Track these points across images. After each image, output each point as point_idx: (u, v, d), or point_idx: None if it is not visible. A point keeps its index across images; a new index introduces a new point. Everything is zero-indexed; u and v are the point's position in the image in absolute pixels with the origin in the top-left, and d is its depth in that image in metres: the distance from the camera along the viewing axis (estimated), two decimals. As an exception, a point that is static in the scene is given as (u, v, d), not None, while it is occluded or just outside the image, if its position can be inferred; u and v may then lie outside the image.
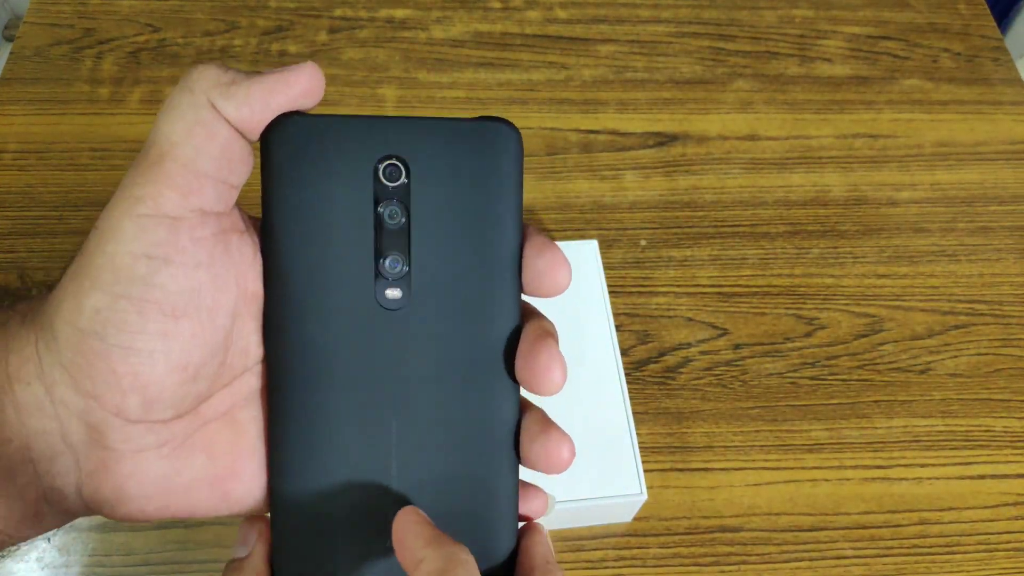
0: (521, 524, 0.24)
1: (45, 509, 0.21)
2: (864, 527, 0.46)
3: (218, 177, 0.20)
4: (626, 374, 0.49)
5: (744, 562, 0.44)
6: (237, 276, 0.21)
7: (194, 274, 0.20)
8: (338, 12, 0.65)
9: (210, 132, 0.20)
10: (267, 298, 0.22)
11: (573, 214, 0.56)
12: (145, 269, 0.20)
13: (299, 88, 0.20)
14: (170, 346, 0.20)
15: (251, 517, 0.23)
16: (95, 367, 0.20)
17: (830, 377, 0.50)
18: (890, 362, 0.51)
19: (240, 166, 0.21)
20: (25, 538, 0.22)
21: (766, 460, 0.47)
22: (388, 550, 0.22)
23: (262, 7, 0.65)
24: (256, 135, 0.21)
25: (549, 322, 0.23)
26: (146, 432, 0.21)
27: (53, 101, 0.58)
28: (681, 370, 0.50)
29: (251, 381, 0.23)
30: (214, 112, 0.20)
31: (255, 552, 0.23)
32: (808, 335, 0.52)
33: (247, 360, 0.23)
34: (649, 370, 0.50)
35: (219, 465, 0.22)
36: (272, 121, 0.20)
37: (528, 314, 0.23)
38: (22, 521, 0.21)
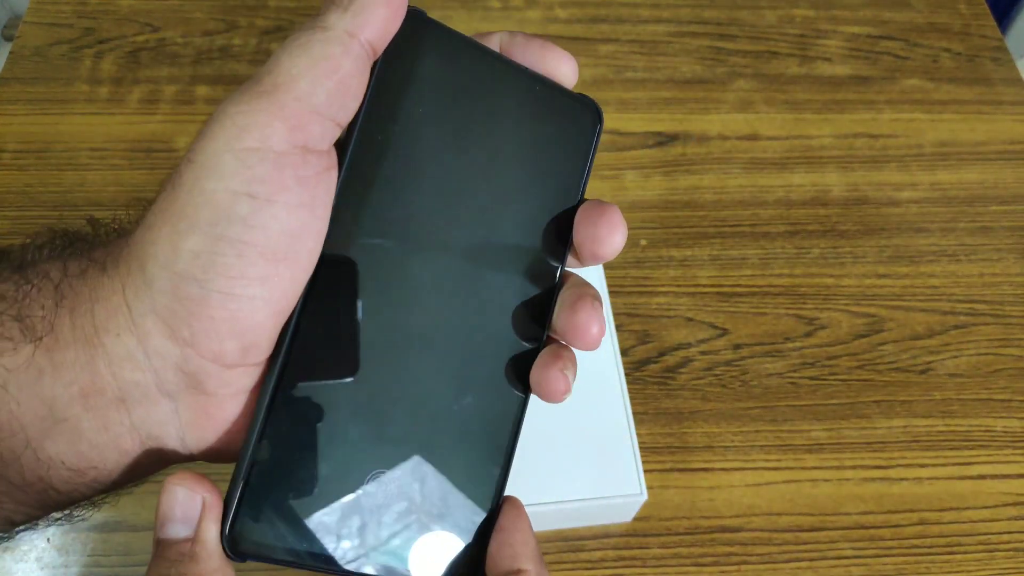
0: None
1: (143, 459, 0.21)
2: (864, 527, 0.46)
3: (328, 114, 0.20)
4: (626, 374, 0.49)
5: (744, 562, 0.44)
6: (317, 220, 0.21)
7: (296, 215, 0.19)
8: (338, 11, 0.65)
9: (333, 67, 0.20)
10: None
11: (573, 214, 0.56)
12: (247, 208, 0.19)
13: None
14: (270, 291, 0.19)
15: (185, 478, 0.20)
16: (193, 314, 0.19)
17: (830, 377, 0.50)
18: (890, 362, 0.51)
19: (351, 103, 0.20)
20: (123, 485, 0.21)
21: (766, 460, 0.47)
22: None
23: (261, 7, 0.65)
24: (388, 37, 0.21)
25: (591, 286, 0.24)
26: (244, 375, 0.20)
27: (52, 101, 0.58)
28: (681, 370, 0.50)
29: None
30: (343, 47, 0.20)
31: (204, 531, 0.19)
32: (808, 335, 0.52)
33: None
34: (649, 370, 0.50)
35: None
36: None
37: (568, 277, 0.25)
38: (118, 470, 0.20)
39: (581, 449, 0.43)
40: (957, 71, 0.65)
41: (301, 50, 0.19)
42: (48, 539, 0.43)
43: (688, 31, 0.66)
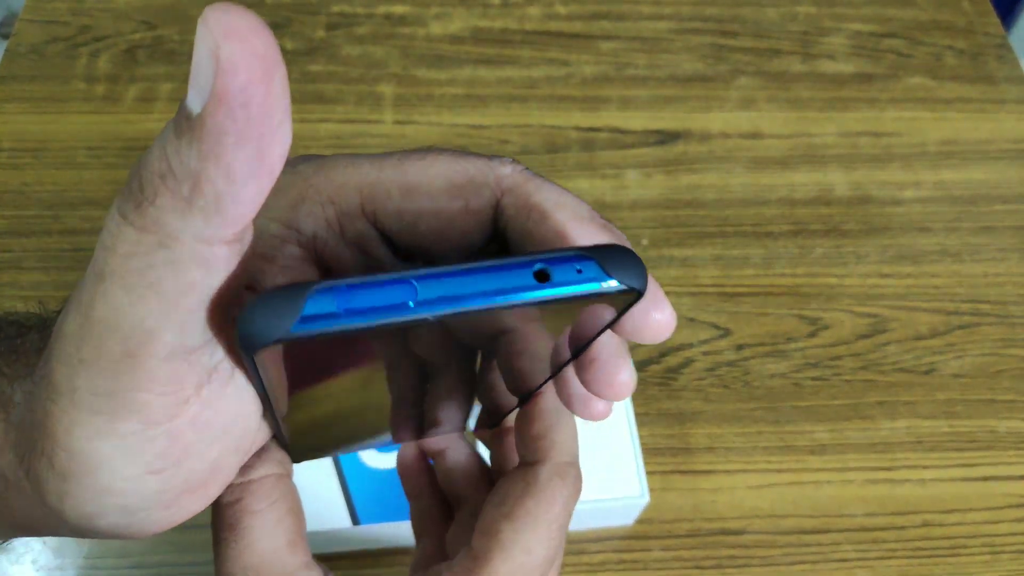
0: None
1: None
2: (867, 529, 0.45)
3: (204, 340, 0.15)
4: (627, 375, 0.49)
5: (747, 565, 0.44)
6: (252, 404, 0.18)
7: (210, 452, 0.17)
8: (336, 8, 0.64)
9: (198, 298, 0.14)
10: None
11: (574, 213, 0.55)
12: (156, 483, 0.16)
13: (249, 89, 0.12)
14: (195, 508, 0.18)
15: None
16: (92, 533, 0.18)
17: (833, 378, 0.50)
18: (894, 363, 0.51)
19: (236, 297, 0.16)
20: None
21: (769, 462, 0.47)
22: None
23: (259, 3, 0.64)
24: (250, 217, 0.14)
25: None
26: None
27: (49, 99, 0.58)
28: (683, 371, 0.49)
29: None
30: (205, 267, 0.14)
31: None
32: (811, 335, 0.51)
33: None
34: (651, 371, 0.49)
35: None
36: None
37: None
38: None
39: (582, 451, 0.42)
40: (961, 69, 0.65)
41: (147, 287, 0.14)
42: (44, 541, 0.42)
43: (690, 28, 0.65)
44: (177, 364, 0.15)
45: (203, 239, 0.13)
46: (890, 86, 0.63)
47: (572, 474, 0.21)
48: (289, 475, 0.20)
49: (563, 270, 0.14)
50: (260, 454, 0.20)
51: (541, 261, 0.14)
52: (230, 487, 0.19)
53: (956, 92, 0.63)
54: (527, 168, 0.18)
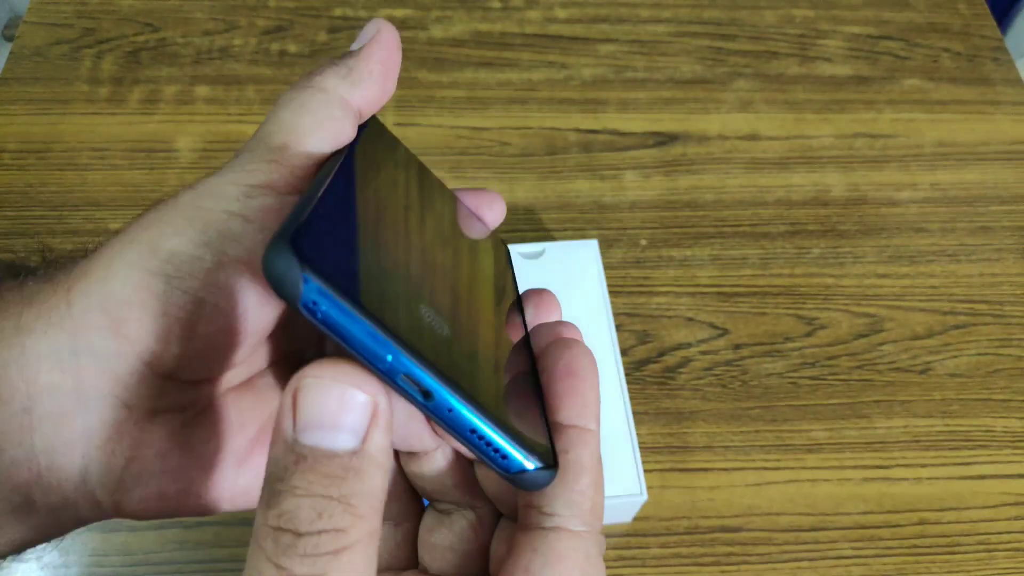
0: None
1: (36, 497, 0.18)
2: (864, 527, 0.46)
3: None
4: (626, 374, 0.49)
5: (744, 562, 0.44)
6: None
7: None
8: (337, 12, 0.65)
9: (338, 128, 0.21)
10: None
11: (573, 214, 0.56)
12: (240, 228, 0.18)
13: (389, 47, 0.22)
14: (240, 307, 0.18)
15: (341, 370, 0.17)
16: (147, 307, 0.18)
17: (830, 377, 0.50)
18: (890, 362, 0.51)
19: None
20: (5, 547, 0.19)
21: (766, 460, 0.47)
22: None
23: (262, 6, 0.65)
24: (376, 109, 0.22)
25: None
26: (173, 389, 0.19)
27: (53, 101, 0.58)
28: (681, 370, 0.50)
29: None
30: (343, 111, 0.21)
31: (372, 441, 0.16)
32: (808, 335, 0.52)
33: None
34: (649, 370, 0.50)
35: (239, 441, 0.20)
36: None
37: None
38: (4, 514, 0.18)
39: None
40: (957, 71, 0.65)
41: (303, 109, 0.20)
42: (48, 539, 0.43)
43: (688, 31, 0.66)
44: (308, 169, 0.20)
45: (346, 96, 0.21)
46: (887, 88, 0.64)
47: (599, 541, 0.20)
48: None
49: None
50: None
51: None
52: None
53: (952, 94, 0.64)
54: None
